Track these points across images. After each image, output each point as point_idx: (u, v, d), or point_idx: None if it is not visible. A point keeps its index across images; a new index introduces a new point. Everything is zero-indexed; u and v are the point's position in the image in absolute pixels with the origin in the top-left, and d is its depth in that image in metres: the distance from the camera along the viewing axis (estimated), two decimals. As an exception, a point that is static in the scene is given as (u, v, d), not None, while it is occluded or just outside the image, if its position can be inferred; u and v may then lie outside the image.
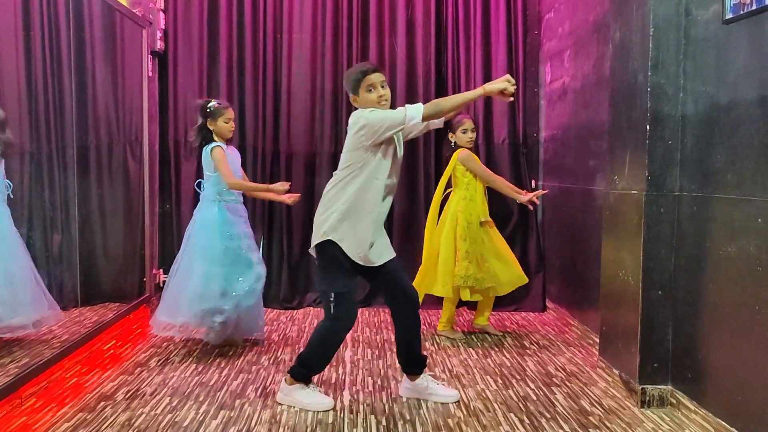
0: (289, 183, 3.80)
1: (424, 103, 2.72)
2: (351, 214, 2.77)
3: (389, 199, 2.87)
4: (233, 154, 3.82)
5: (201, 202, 3.77)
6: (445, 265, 3.91)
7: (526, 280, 4.18)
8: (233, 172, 3.66)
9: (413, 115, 2.68)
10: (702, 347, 2.70)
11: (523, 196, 3.98)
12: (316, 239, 2.84)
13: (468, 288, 3.89)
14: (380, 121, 2.69)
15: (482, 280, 3.89)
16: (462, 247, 3.90)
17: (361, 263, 2.80)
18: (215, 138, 3.67)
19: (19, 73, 4.18)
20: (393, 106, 2.82)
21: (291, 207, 4.89)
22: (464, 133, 3.97)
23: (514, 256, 4.18)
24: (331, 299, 2.81)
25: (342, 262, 2.79)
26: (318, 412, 2.84)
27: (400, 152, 2.88)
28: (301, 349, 3.01)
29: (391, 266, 2.91)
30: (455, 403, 2.95)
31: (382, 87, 2.79)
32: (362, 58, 4.86)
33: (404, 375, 3.05)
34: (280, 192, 3.71)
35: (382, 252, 2.86)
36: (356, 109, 2.83)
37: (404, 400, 3.00)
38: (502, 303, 4.70)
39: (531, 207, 4.17)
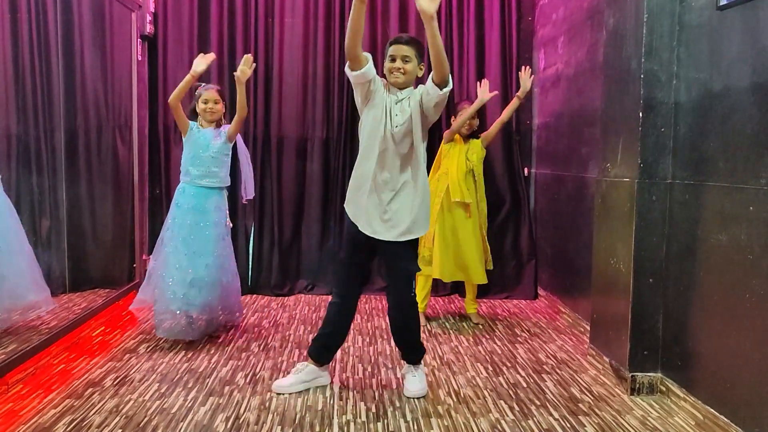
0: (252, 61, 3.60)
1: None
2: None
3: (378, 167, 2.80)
4: (202, 136, 3.63)
5: None
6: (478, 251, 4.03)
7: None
8: (195, 154, 3.59)
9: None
10: (692, 335, 2.70)
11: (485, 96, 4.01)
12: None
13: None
14: None
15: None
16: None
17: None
18: (199, 120, 3.67)
19: (5, 56, 4.12)
20: None
21: (282, 192, 4.86)
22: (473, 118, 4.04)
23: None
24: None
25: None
26: (307, 398, 2.83)
27: (388, 124, 2.77)
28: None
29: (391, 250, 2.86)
30: (446, 386, 2.95)
31: (403, 61, 2.74)
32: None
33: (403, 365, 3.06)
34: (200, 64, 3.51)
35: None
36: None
37: (394, 387, 2.99)
38: (493, 290, 4.70)
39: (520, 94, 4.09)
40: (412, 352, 2.98)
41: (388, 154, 2.77)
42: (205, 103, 3.63)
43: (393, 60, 2.75)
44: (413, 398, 2.85)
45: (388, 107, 2.76)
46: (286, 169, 4.87)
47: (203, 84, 3.72)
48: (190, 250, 3.52)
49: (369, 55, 2.71)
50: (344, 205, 2.90)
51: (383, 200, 2.79)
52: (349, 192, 2.88)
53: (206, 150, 3.63)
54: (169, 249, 3.55)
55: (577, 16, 4.06)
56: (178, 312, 3.46)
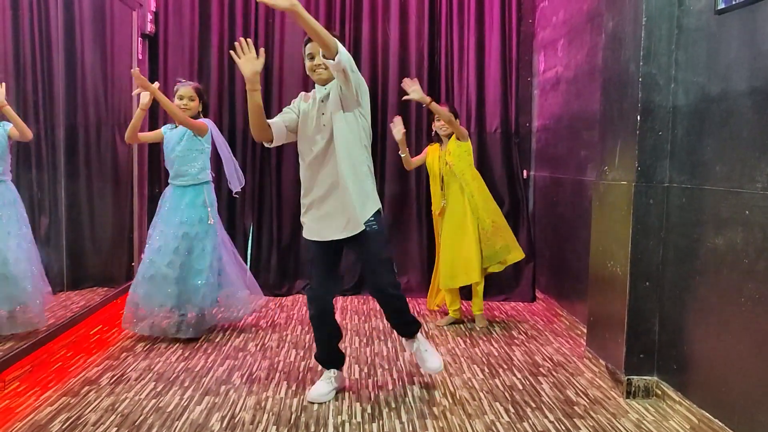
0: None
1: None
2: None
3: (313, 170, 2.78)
4: (170, 137, 3.71)
5: None
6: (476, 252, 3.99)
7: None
8: (166, 155, 3.72)
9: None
10: (687, 339, 2.70)
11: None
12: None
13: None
14: None
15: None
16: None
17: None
18: None
19: (6, 53, 4.12)
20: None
21: (282, 192, 4.86)
22: (438, 120, 3.93)
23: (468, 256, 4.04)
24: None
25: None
26: (302, 398, 2.83)
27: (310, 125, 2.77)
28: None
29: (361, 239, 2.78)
30: (441, 387, 2.95)
31: (322, 56, 2.59)
32: (355, 44, 4.82)
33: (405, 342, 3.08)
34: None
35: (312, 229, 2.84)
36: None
37: (390, 388, 2.99)
38: (491, 292, 4.70)
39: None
40: (407, 327, 2.99)
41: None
42: (180, 99, 3.65)
43: (312, 58, 2.71)
44: (434, 374, 2.97)
45: (315, 112, 2.74)
46: (285, 169, 4.88)
47: (181, 80, 3.74)
48: (169, 249, 3.58)
49: (272, 122, 2.75)
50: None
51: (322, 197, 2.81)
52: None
53: (172, 151, 3.69)
54: (150, 248, 3.65)
55: (577, 19, 4.06)
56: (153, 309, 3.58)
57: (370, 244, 2.75)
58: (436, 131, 4.00)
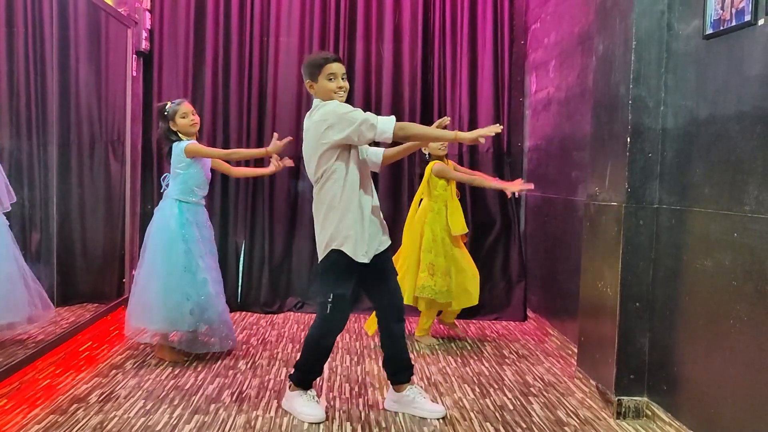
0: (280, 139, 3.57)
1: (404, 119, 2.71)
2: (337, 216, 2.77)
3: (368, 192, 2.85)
4: (201, 162, 3.66)
5: (163, 199, 3.64)
6: (407, 274, 3.92)
7: (476, 302, 4.13)
8: (196, 179, 3.60)
9: (384, 128, 2.63)
10: (677, 360, 2.71)
11: (511, 186, 3.83)
12: (321, 253, 2.82)
13: (425, 299, 3.92)
14: (351, 121, 2.65)
15: (442, 294, 3.90)
16: (425, 258, 3.91)
17: (362, 261, 2.77)
18: (182, 137, 3.56)
19: (0, 69, 4.14)
20: (378, 114, 2.80)
21: (274, 210, 4.87)
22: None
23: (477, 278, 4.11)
24: (329, 299, 2.77)
25: (344, 265, 2.77)
26: (299, 420, 2.81)
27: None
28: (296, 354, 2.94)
29: (381, 266, 2.87)
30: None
31: (343, 79, 2.75)
32: (349, 63, 4.86)
33: (390, 387, 2.99)
34: (277, 149, 3.53)
35: (368, 249, 2.80)
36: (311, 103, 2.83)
37: (381, 407, 2.98)
38: (482, 311, 4.71)
39: (512, 195, 3.98)
40: (409, 364, 2.98)
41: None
42: (184, 117, 3.55)
43: (342, 78, 2.76)
44: (438, 419, 2.85)
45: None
46: (278, 187, 4.89)
47: (173, 101, 3.62)
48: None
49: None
50: (331, 247, 2.79)
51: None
52: (335, 230, 2.80)
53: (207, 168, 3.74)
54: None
55: (568, 41, 4.11)
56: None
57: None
58: (428, 153, 3.99)
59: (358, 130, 2.64)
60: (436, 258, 3.91)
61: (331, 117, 2.67)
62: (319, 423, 2.77)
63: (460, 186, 4.28)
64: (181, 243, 3.51)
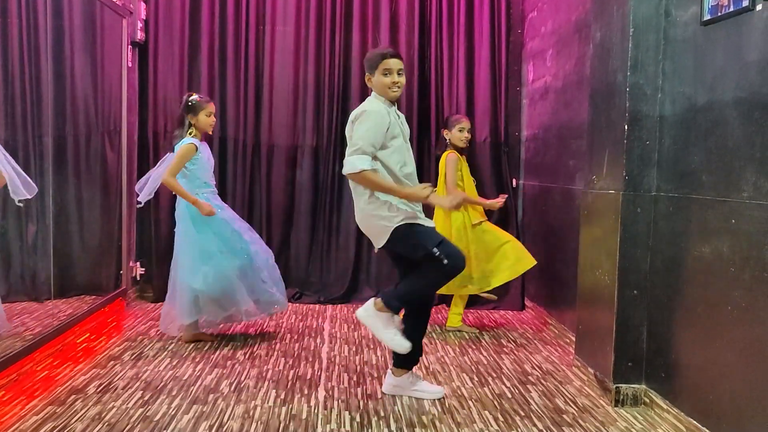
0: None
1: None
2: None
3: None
4: (206, 154, 3.75)
5: (178, 201, 3.73)
6: None
7: (532, 262, 4.06)
8: (205, 171, 3.68)
9: (355, 164, 2.71)
10: (675, 347, 2.71)
11: (494, 202, 4.04)
12: (382, 239, 2.83)
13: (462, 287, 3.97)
14: (356, 141, 2.75)
15: (476, 280, 3.94)
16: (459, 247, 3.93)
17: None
18: (193, 133, 3.63)
19: (-5, 60, 4.12)
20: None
21: (271, 200, 4.87)
22: (461, 131, 3.93)
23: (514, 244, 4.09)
24: (437, 254, 2.73)
25: (416, 230, 2.80)
26: (291, 407, 2.81)
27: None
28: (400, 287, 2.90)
29: None
30: (435, 399, 2.95)
31: (399, 74, 2.81)
32: (345, 52, 4.84)
33: (389, 370, 3.02)
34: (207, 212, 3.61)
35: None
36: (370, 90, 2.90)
37: (379, 396, 2.99)
38: (481, 300, 4.70)
39: (500, 205, 4.09)
40: (421, 351, 3.04)
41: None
42: (208, 116, 3.65)
43: (398, 74, 2.81)
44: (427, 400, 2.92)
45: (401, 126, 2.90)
46: (275, 177, 4.88)
47: (199, 95, 3.69)
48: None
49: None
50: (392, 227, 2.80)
51: None
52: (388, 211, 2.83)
53: (208, 161, 3.80)
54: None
55: (565, 29, 4.09)
56: None
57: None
58: (449, 139, 3.96)
59: (353, 146, 2.75)
60: (469, 245, 3.92)
61: (356, 129, 2.77)
62: (410, 360, 2.96)
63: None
64: (201, 234, 3.62)
